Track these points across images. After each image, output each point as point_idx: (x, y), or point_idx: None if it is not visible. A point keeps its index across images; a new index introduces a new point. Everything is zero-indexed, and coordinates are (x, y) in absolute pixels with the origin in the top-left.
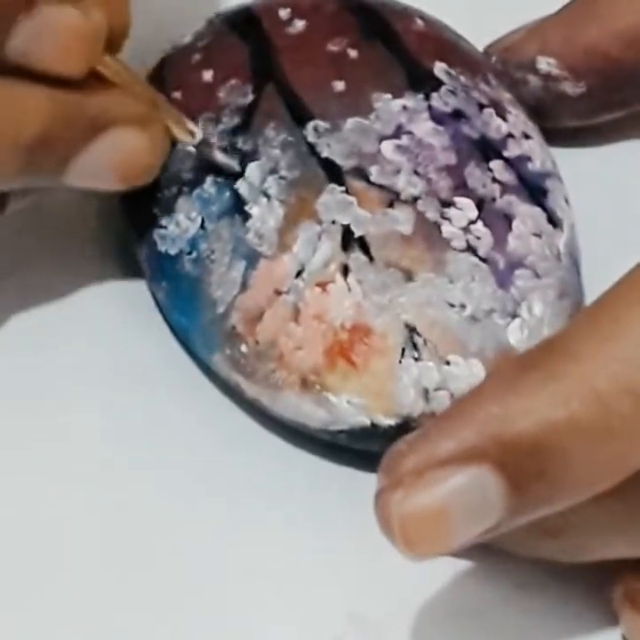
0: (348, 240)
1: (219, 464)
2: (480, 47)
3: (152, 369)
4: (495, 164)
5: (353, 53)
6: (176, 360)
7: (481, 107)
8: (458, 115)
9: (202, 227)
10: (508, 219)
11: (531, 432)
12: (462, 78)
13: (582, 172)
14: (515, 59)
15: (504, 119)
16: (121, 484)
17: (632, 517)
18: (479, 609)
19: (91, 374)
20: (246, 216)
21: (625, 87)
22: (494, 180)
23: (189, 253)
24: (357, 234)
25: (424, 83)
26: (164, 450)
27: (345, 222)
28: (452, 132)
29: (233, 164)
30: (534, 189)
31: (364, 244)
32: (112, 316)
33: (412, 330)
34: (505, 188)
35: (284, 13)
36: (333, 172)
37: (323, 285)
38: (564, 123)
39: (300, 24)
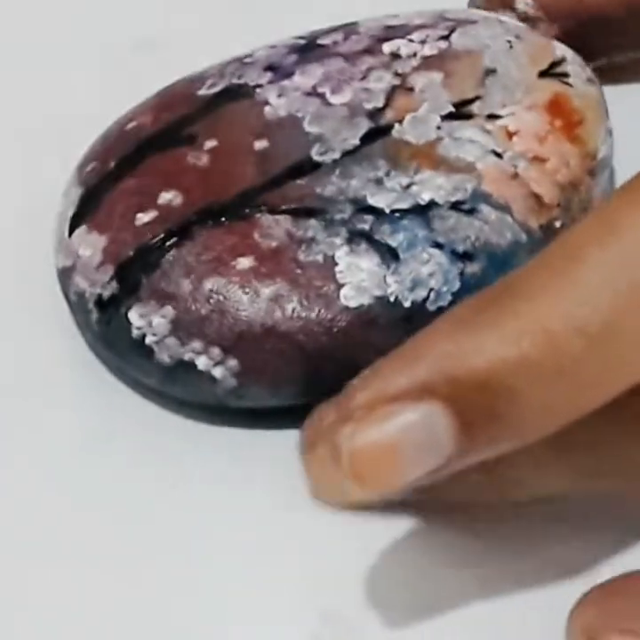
0: None
1: (173, 459)
2: None
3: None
4: None
5: None
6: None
7: None
8: None
9: None
10: None
11: (481, 370)
12: None
13: None
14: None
15: None
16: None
17: (568, 447)
18: (456, 605)
19: None
20: None
21: (595, 34)
22: None
23: None
24: None
25: None
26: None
27: None
28: None
29: None
30: None
31: None
32: None
33: None
34: None
35: None
36: None
37: None
38: None
39: None
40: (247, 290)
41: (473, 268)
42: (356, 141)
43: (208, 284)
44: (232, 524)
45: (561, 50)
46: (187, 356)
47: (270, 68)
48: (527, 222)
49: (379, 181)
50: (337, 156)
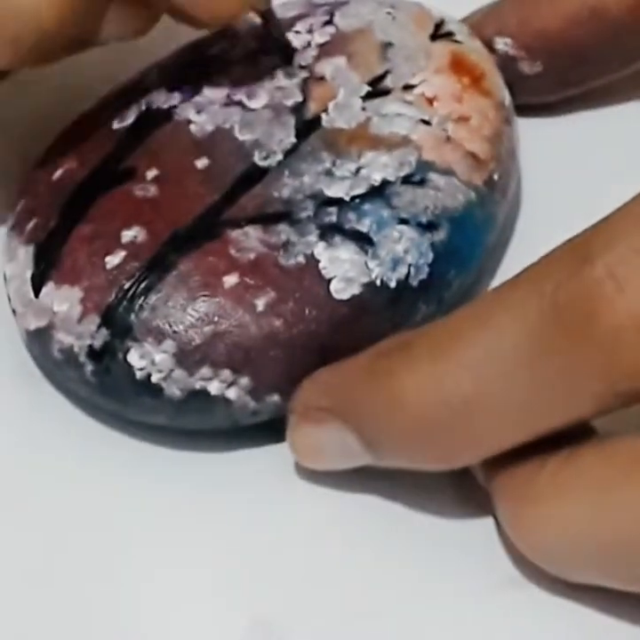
0: None
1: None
2: None
3: None
4: None
5: None
6: None
7: None
8: None
9: None
10: None
11: (365, 415)
12: None
13: (540, 145)
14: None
15: None
16: None
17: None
18: (382, 611)
19: None
20: None
21: (577, 66)
22: None
23: None
24: None
25: None
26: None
27: None
28: None
29: None
30: None
31: None
32: None
33: None
34: None
35: None
36: None
37: None
38: (523, 100)
39: None
40: (241, 305)
41: (439, 235)
42: (293, 139)
43: (202, 309)
44: (161, 529)
45: (435, 11)
46: (198, 385)
47: (174, 87)
48: (472, 181)
49: (328, 172)
50: (280, 157)
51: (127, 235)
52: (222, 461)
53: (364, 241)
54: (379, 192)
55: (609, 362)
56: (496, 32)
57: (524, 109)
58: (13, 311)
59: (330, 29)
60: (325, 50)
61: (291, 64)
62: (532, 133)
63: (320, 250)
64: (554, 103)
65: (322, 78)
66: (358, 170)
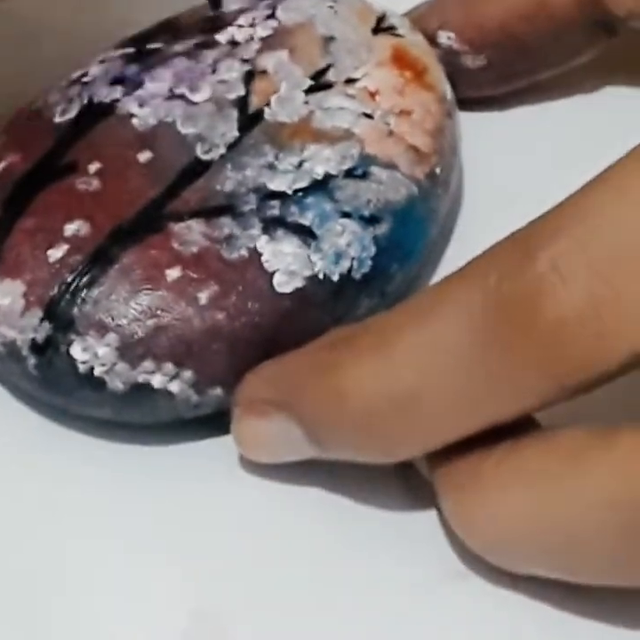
0: None
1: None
2: None
3: None
4: None
5: None
6: None
7: None
8: None
9: None
10: None
11: (309, 407)
12: None
13: (482, 139)
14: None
15: None
16: None
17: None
18: (326, 605)
19: None
20: None
21: (521, 59)
22: None
23: None
24: None
25: None
26: None
27: None
28: None
29: None
30: None
31: None
32: None
33: None
34: None
35: None
36: None
37: None
38: (466, 94)
39: None
40: (184, 299)
41: (381, 228)
42: (235, 133)
43: (145, 302)
44: (103, 522)
45: (377, 5)
46: (141, 378)
47: (116, 81)
48: (414, 174)
49: (271, 166)
50: (223, 151)
51: (70, 228)
52: (166, 454)
53: (306, 234)
54: (321, 185)
55: (553, 355)
56: (439, 26)
57: (467, 103)
58: None
59: (272, 23)
60: (267, 43)
61: (234, 57)
62: (474, 127)
63: (263, 243)
64: (496, 97)
65: (264, 72)
66: (301, 163)
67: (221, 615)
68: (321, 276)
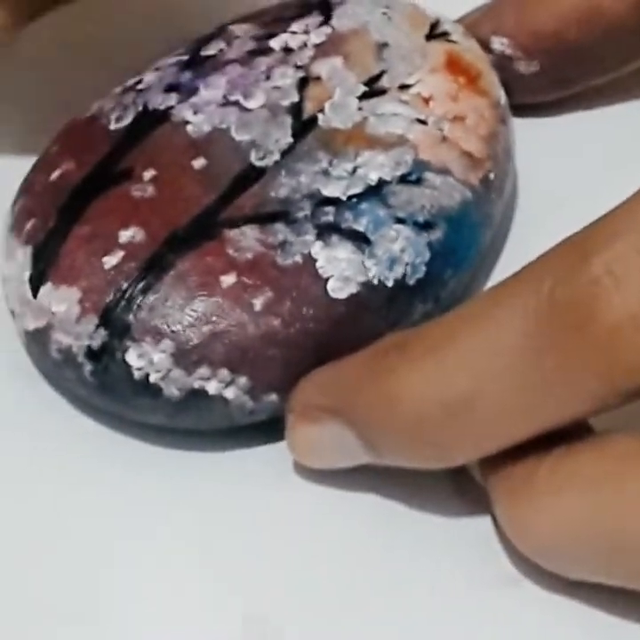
0: None
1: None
2: None
3: None
4: None
5: None
6: None
7: None
8: None
9: None
10: None
11: (362, 414)
12: None
13: (536, 145)
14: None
15: None
16: None
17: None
18: (378, 609)
19: None
20: None
21: (574, 65)
22: None
23: None
24: None
25: None
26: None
27: None
28: None
29: None
30: None
31: None
32: None
33: None
34: None
35: None
36: None
37: None
38: (520, 99)
39: None
40: (239, 305)
41: (436, 234)
42: (289, 139)
43: (200, 309)
44: (159, 528)
45: (431, 11)
46: (196, 385)
47: (171, 88)
48: (468, 180)
49: (325, 172)
50: (277, 157)
51: (125, 235)
52: (220, 461)
53: (360, 240)
54: (375, 191)
55: (607, 360)
56: (493, 32)
57: (520, 109)
58: (11, 312)
59: (326, 30)
60: (321, 50)
61: (288, 64)
62: (528, 133)
63: (317, 249)
64: (550, 103)
65: (318, 78)
66: (355, 169)
67: (276, 621)
68: (375, 282)
